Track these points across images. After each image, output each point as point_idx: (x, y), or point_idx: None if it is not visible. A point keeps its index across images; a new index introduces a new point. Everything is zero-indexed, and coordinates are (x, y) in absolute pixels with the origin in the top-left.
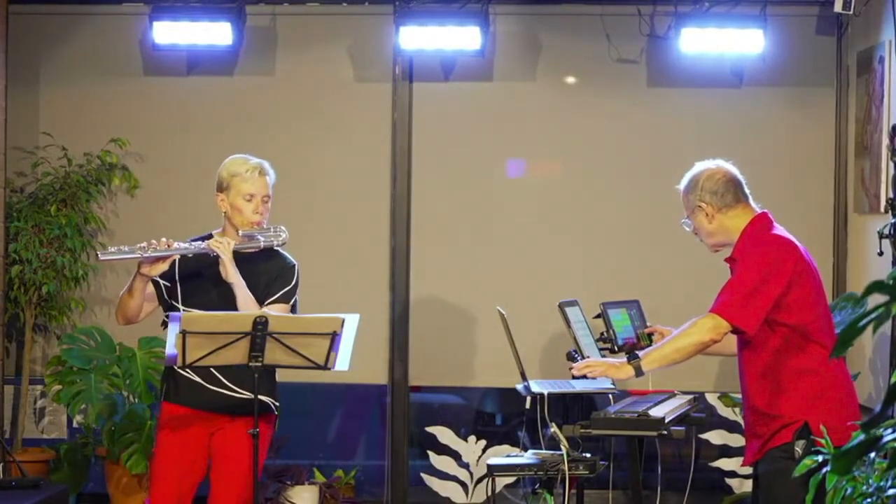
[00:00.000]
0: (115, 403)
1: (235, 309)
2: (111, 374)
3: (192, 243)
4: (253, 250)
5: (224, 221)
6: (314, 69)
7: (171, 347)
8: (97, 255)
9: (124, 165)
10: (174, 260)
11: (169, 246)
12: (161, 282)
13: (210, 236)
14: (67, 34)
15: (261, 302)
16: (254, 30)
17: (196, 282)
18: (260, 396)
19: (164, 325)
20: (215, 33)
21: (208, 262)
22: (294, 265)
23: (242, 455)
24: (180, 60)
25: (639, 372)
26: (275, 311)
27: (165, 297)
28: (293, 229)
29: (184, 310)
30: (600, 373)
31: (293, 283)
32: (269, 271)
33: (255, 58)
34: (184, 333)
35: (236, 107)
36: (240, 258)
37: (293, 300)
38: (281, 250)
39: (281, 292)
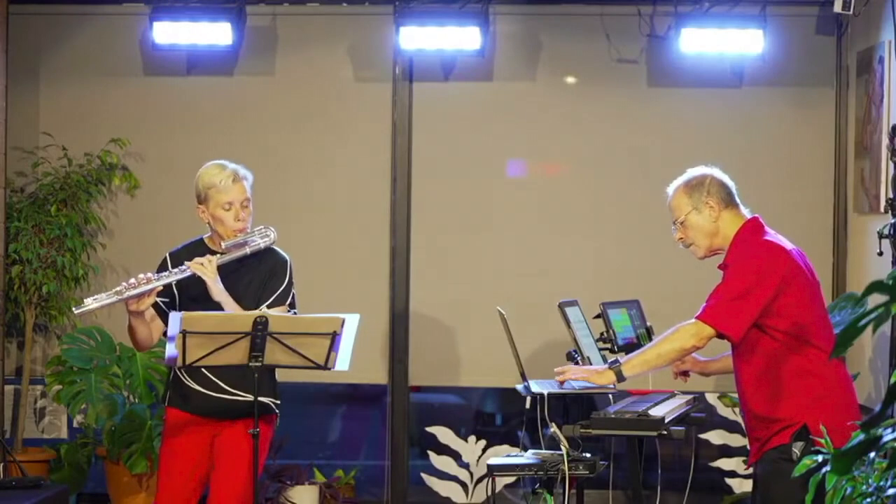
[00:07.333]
0: (115, 403)
1: None
2: (111, 374)
3: (174, 271)
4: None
5: (209, 229)
6: (314, 69)
7: (171, 348)
8: (73, 310)
9: (124, 165)
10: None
11: (149, 280)
12: (159, 300)
13: (200, 241)
14: (67, 34)
15: (257, 307)
16: (254, 30)
17: (193, 294)
18: (260, 398)
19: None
20: (215, 33)
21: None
22: (285, 261)
23: (243, 456)
24: (180, 60)
25: (620, 377)
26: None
27: (166, 311)
28: (292, 229)
29: None
30: (581, 379)
31: (286, 281)
32: (260, 273)
33: (255, 58)
34: (184, 333)
35: (236, 107)
36: (230, 265)
37: (290, 297)
38: (273, 247)
39: (274, 296)
